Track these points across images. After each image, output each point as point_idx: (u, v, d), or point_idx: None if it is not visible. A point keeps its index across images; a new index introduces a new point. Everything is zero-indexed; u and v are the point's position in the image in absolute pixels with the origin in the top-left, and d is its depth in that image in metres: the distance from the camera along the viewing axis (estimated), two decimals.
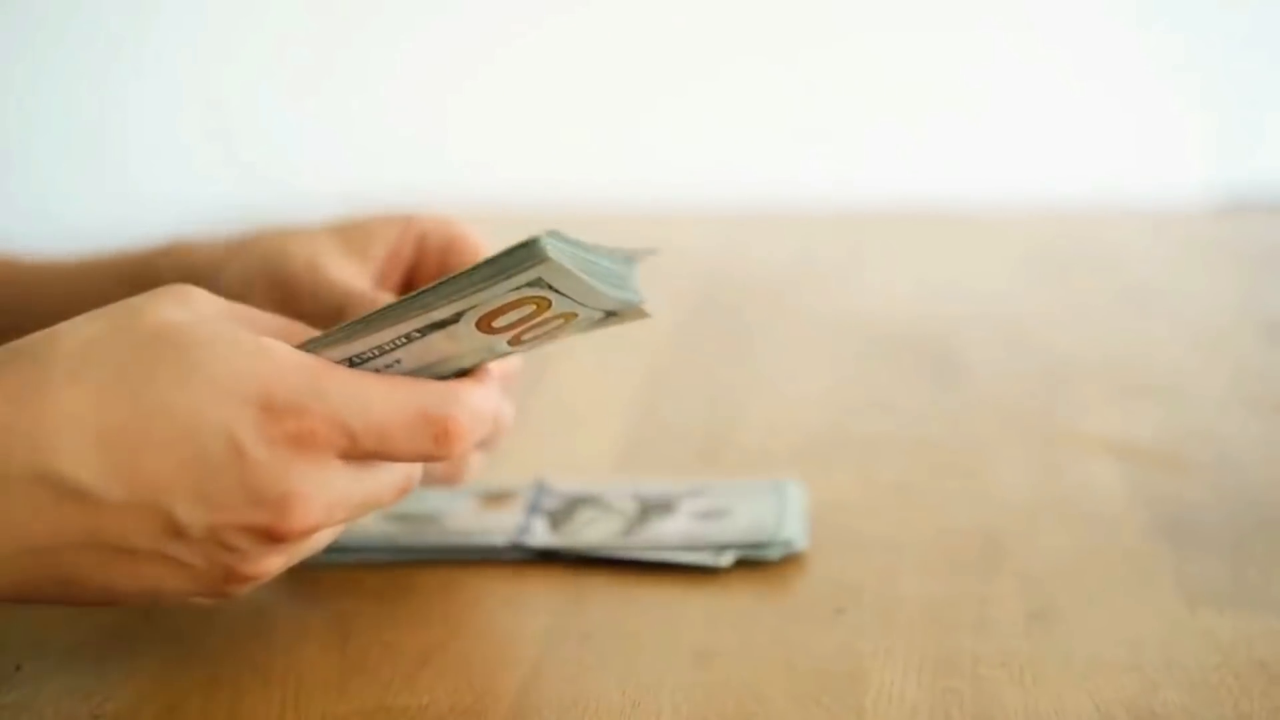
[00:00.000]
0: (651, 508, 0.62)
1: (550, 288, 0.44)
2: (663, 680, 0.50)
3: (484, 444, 0.58)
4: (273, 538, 0.45)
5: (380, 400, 0.46)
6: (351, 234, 0.61)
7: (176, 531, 0.44)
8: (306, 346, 0.46)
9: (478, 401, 0.48)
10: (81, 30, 1.34)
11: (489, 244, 0.61)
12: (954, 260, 1.17)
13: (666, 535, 0.60)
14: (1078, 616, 0.54)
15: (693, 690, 0.49)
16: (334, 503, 0.46)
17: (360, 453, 0.46)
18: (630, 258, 0.48)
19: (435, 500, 0.63)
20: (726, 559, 0.58)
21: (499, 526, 0.61)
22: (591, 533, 0.60)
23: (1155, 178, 1.46)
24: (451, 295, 0.44)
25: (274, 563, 0.47)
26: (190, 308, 0.46)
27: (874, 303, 1.02)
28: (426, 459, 0.48)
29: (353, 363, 0.47)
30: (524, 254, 0.43)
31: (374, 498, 0.48)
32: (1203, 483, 0.66)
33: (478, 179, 1.47)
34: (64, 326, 0.45)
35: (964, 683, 0.49)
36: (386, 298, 0.57)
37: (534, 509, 0.62)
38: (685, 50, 1.51)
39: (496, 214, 1.35)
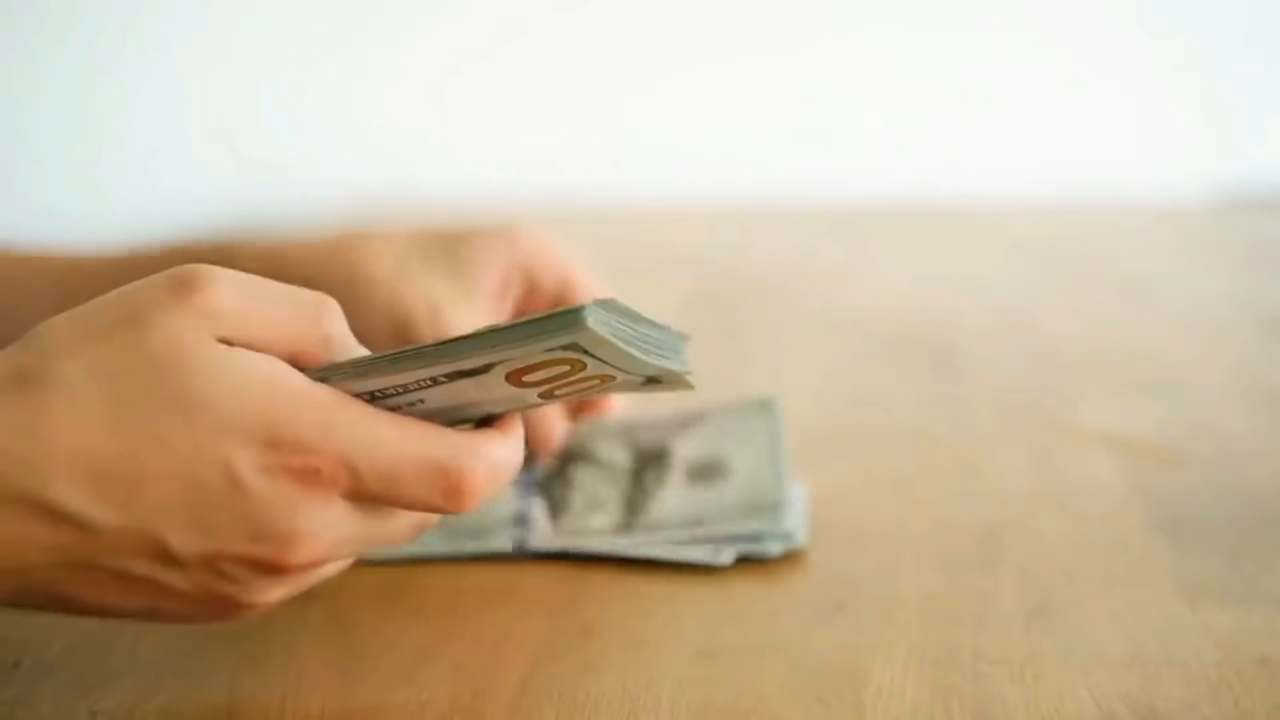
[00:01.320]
0: (647, 459, 0.62)
1: (586, 352, 0.43)
2: (663, 676, 0.50)
3: None
4: (273, 571, 0.44)
5: (392, 443, 0.44)
6: (455, 267, 0.60)
7: (171, 560, 0.43)
8: (326, 373, 0.44)
9: (498, 455, 0.46)
10: (82, 28, 1.34)
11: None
12: (952, 255, 1.17)
13: (668, 513, 0.60)
14: (1077, 612, 0.54)
15: (693, 685, 0.49)
16: (339, 541, 0.45)
17: (366, 494, 0.44)
18: (682, 335, 0.47)
19: None
20: (727, 557, 0.58)
21: (497, 515, 0.61)
22: (593, 522, 0.60)
23: (1154, 172, 1.45)
24: (481, 349, 0.43)
25: (275, 594, 0.46)
26: (204, 308, 0.43)
27: (873, 298, 1.02)
28: (434, 510, 0.46)
29: (374, 397, 0.45)
30: (562, 320, 0.42)
31: (386, 537, 0.46)
32: (1202, 477, 0.66)
33: (479, 175, 1.47)
34: (62, 338, 0.43)
35: (964, 678, 0.49)
36: None
37: (528, 484, 0.62)
38: (685, 47, 1.51)
39: (498, 210, 1.35)
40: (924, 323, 0.94)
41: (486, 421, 0.47)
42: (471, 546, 0.59)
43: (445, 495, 0.45)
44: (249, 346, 0.44)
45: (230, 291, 0.44)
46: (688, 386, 0.47)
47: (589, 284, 0.64)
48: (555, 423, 0.64)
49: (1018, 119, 1.50)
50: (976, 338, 0.91)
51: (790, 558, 0.58)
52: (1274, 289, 1.04)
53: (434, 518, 0.48)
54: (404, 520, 0.47)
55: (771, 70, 1.51)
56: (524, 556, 0.59)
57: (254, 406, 0.42)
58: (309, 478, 0.43)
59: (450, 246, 0.62)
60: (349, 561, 0.48)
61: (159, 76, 1.41)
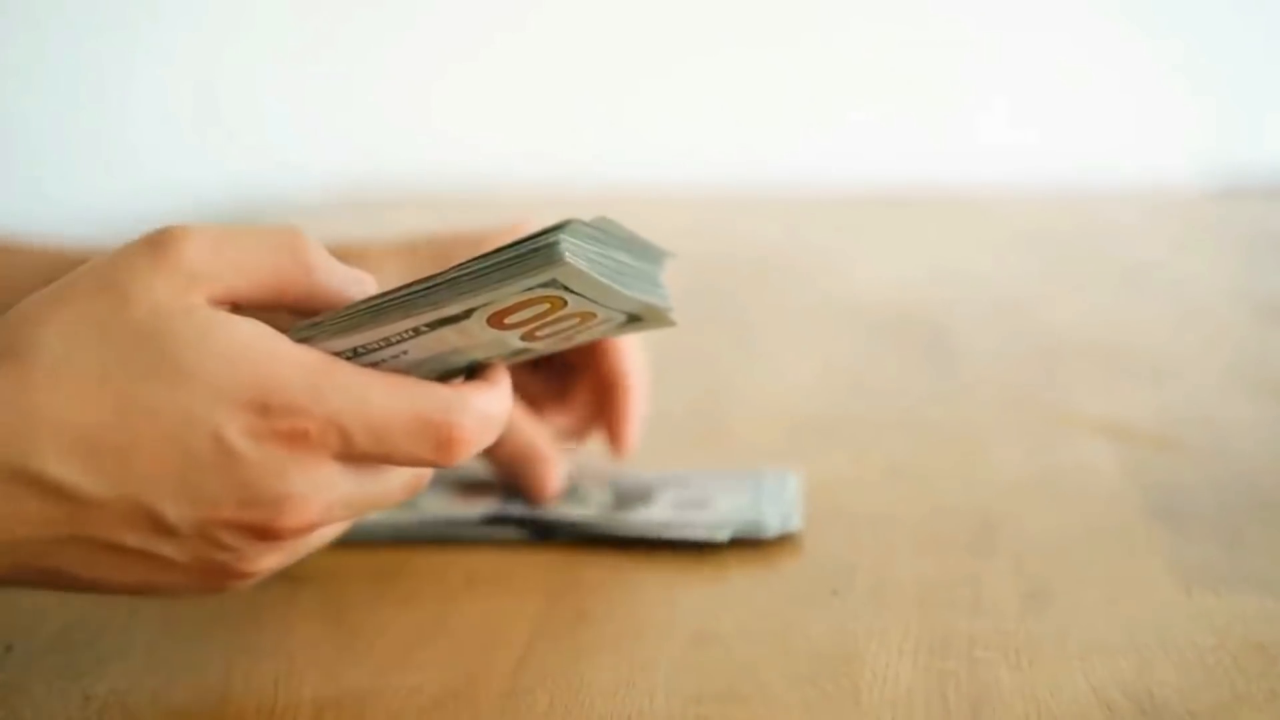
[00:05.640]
0: (628, 498, 0.62)
1: (565, 288, 0.43)
2: (657, 661, 0.50)
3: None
4: (267, 536, 0.44)
5: (380, 402, 0.44)
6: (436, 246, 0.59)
7: (165, 529, 0.43)
8: (308, 330, 0.44)
9: (485, 406, 0.46)
10: (80, 26, 1.34)
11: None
12: (949, 242, 1.17)
13: (649, 519, 0.59)
14: (1073, 598, 0.54)
15: (687, 671, 0.49)
16: (332, 503, 0.45)
17: (357, 454, 0.44)
18: (658, 255, 0.46)
19: None
20: (724, 534, 0.58)
21: (476, 513, 0.60)
22: (574, 513, 0.60)
23: (1152, 159, 1.45)
24: (461, 293, 0.43)
25: (270, 560, 0.46)
26: (180, 267, 0.43)
27: (869, 285, 1.02)
28: (427, 465, 0.46)
29: (356, 352, 0.45)
30: (540, 256, 0.42)
31: (379, 498, 0.47)
32: (1198, 464, 0.66)
33: (473, 161, 1.47)
34: (42, 311, 0.43)
35: (959, 664, 0.49)
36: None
37: (509, 499, 0.62)
38: (678, 33, 1.51)
39: (492, 196, 1.35)
40: (921, 310, 0.94)
41: (474, 373, 0.47)
42: (447, 519, 0.59)
43: (436, 449, 0.45)
44: (231, 298, 0.44)
45: (203, 245, 0.43)
46: (669, 323, 0.47)
47: None
48: (550, 469, 0.61)
49: (1015, 104, 1.50)
50: (974, 325, 0.91)
51: (786, 544, 0.58)
52: (1272, 278, 1.04)
53: (425, 476, 0.48)
54: (396, 479, 0.47)
55: (766, 56, 1.51)
56: (513, 535, 0.59)
57: (241, 372, 0.42)
58: (299, 441, 0.43)
59: (443, 237, 0.61)
60: (344, 526, 0.48)
61: (155, 71, 1.42)
